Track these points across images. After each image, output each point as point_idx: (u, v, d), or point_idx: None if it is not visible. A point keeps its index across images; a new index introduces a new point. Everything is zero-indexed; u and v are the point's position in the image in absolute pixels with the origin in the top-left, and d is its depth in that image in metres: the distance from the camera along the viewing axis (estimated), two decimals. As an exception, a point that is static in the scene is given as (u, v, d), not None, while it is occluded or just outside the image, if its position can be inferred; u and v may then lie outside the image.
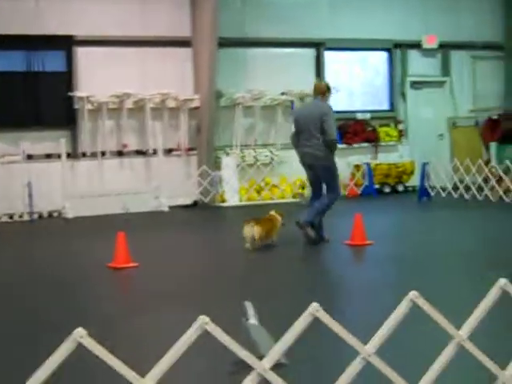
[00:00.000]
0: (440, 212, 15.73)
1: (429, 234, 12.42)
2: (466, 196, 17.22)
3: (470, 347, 3.76)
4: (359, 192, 19.30)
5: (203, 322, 3.17)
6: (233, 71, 18.85)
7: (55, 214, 16.67)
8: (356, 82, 21.01)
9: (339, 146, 19.75)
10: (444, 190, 18.10)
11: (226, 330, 3.29)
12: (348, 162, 19.94)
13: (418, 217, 15.15)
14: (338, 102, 20.46)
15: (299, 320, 3.35)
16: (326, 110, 11.23)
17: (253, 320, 5.36)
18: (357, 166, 19.71)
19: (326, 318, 3.40)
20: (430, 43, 21.02)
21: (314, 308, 3.36)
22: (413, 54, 21.30)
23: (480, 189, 17.27)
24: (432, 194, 17.79)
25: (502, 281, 3.83)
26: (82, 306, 7.84)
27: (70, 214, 16.26)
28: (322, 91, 11.42)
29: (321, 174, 11.50)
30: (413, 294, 3.61)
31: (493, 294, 3.81)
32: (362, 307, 7.36)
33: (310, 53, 19.98)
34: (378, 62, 21.31)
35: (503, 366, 3.90)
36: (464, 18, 21.52)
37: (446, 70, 21.69)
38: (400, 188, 19.75)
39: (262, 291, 8.14)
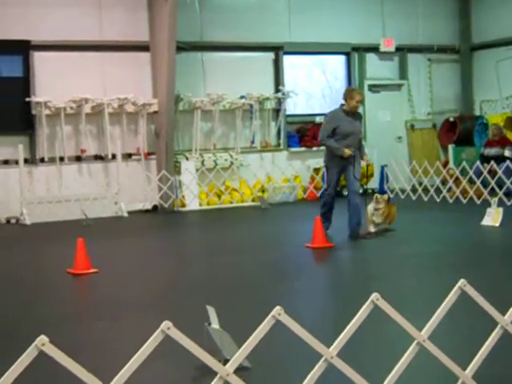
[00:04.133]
0: (399, 214, 15.82)
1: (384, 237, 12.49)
2: (425, 198, 17.37)
3: (431, 347, 3.80)
4: (318, 195, 19.37)
5: (166, 326, 3.17)
6: (191, 75, 18.83)
7: (13, 221, 16.50)
8: (315, 86, 21.11)
9: (298, 149, 20.10)
10: (403, 191, 18.24)
11: (189, 335, 3.29)
12: (307, 165, 20.04)
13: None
14: (297, 105, 20.65)
15: (263, 323, 3.36)
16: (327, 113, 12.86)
17: (215, 324, 5.36)
18: (316, 169, 19.78)
19: (288, 321, 3.41)
20: (387, 46, 21.20)
21: (277, 311, 3.37)
22: (370, 58, 21.45)
23: (438, 190, 17.44)
24: (391, 196, 17.90)
25: (462, 281, 3.88)
26: (42, 313, 7.76)
27: (27, 221, 16.10)
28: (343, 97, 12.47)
29: None
30: (374, 295, 3.64)
31: (452, 295, 3.86)
32: (323, 309, 7.39)
33: (268, 57, 20.04)
34: (336, 65, 21.43)
35: (464, 367, 3.95)
36: (421, 21, 21.76)
37: (403, 73, 21.90)
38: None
39: (224, 295, 8.14)
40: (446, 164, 19.47)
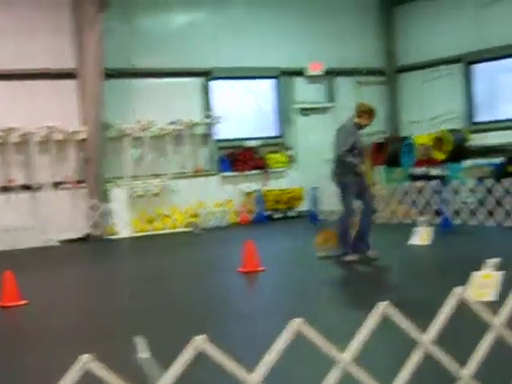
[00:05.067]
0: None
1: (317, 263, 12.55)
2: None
3: (355, 370, 3.82)
4: (251, 219, 19.41)
5: (86, 361, 3.12)
6: (121, 102, 18.72)
7: None
8: (244, 110, 21.17)
9: (231, 173, 20.11)
10: (333, 214, 18.30)
11: (118, 366, 3.26)
12: (239, 189, 20.06)
13: (310, 242, 15.14)
14: (227, 130, 20.65)
15: (182, 354, 3.35)
16: (340, 126, 11.97)
17: (144, 354, 5.29)
18: (248, 193, 19.82)
19: (211, 350, 3.40)
20: (314, 70, 21.40)
21: (199, 341, 3.36)
22: (299, 81, 21.62)
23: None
24: (323, 217, 18.00)
25: (384, 303, 3.91)
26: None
27: (-45, 253, 15.79)
28: (356, 110, 11.80)
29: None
30: (297, 321, 3.64)
31: (374, 317, 3.89)
32: (252, 333, 7.38)
33: (197, 82, 20.05)
34: (265, 89, 21.55)
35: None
36: (349, 44, 22.00)
37: (331, 96, 22.12)
38: (291, 213, 19.93)
39: (155, 323, 8.08)
40: (375, 185, 19.66)
